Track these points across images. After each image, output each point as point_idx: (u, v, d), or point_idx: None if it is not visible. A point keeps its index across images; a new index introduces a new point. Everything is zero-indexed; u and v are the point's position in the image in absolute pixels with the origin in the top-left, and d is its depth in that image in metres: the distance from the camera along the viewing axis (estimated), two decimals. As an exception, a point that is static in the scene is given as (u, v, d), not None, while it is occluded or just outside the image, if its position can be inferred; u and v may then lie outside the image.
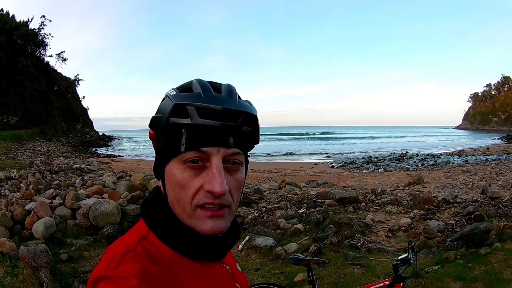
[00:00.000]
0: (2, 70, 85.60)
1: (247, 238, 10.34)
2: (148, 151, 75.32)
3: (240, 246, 10.04)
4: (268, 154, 61.32)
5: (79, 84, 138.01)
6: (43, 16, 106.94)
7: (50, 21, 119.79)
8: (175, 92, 1.22)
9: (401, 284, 4.73)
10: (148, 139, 1.31)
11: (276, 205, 14.30)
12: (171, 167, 1.20)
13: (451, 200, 13.95)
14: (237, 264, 1.54)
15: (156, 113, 1.24)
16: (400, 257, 4.96)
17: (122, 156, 62.21)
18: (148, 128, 1.28)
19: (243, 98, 1.29)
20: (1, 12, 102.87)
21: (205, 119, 1.15)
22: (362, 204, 14.77)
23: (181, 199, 1.19)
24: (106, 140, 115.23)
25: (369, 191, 17.21)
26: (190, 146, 1.16)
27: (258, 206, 14.63)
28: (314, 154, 61.36)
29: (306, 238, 10.62)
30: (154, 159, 1.32)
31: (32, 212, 11.07)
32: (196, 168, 1.17)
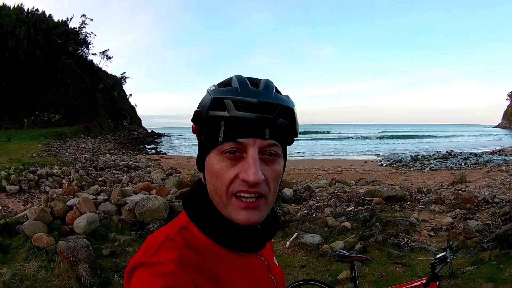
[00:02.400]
0: (41, 68, 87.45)
1: (295, 235, 10.35)
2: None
3: (288, 243, 10.05)
4: (319, 152, 61.24)
5: (126, 82, 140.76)
6: (84, 15, 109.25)
7: (92, 20, 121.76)
8: (214, 88, 1.30)
9: (437, 283, 4.72)
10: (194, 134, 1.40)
11: (325, 203, 14.29)
12: (210, 158, 1.27)
13: (490, 200, 13.65)
14: (275, 258, 1.59)
15: (197, 108, 1.32)
16: (438, 256, 4.95)
17: (172, 153, 62.89)
18: (191, 122, 1.36)
19: (291, 95, 1.35)
20: (37, 12, 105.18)
21: (241, 112, 1.21)
22: (408, 203, 14.69)
23: (218, 188, 1.24)
24: (155, 137, 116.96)
25: (415, 189, 17.02)
26: (228, 137, 1.22)
27: (307, 203, 14.65)
28: (364, 152, 61.39)
29: (352, 236, 10.62)
30: None
31: (74, 207, 11.25)
32: (233, 158, 1.23)
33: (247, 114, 1.21)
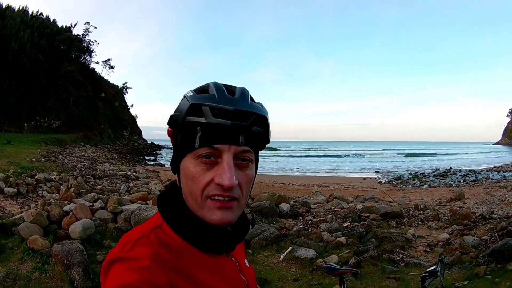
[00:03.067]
0: (44, 74, 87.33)
1: (289, 249, 10.42)
2: None
3: (282, 257, 10.12)
4: (320, 169, 61.21)
5: (127, 92, 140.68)
6: (87, 23, 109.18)
7: (95, 27, 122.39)
8: (191, 93, 1.35)
9: (426, 296, 4.76)
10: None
11: (322, 218, 14.38)
12: (186, 162, 1.32)
13: (487, 216, 13.76)
14: (246, 260, 1.64)
15: (174, 112, 1.37)
16: (428, 269, 5.00)
17: (169, 166, 62.19)
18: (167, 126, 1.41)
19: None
20: (41, 16, 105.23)
21: (218, 119, 1.27)
22: (405, 219, 14.70)
23: (193, 191, 1.31)
24: (155, 148, 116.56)
25: (413, 206, 17.09)
26: (204, 142, 1.28)
27: (304, 218, 14.77)
28: (363, 169, 61.33)
29: (347, 251, 10.66)
30: None
31: (71, 213, 11.33)
32: (209, 163, 1.29)
33: (224, 121, 1.27)
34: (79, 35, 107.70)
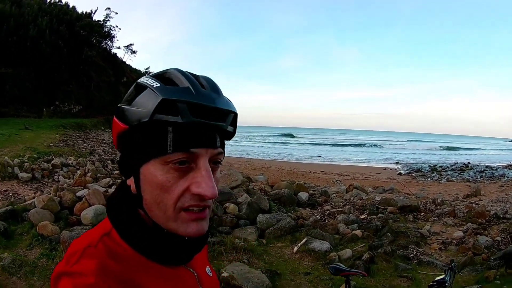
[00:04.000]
0: (64, 59, 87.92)
1: (304, 240, 10.32)
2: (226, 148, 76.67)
3: (296, 248, 10.02)
4: (340, 157, 61.14)
5: None
6: (108, 9, 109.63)
7: (116, 13, 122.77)
8: (159, 84, 1.18)
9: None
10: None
11: (339, 209, 14.27)
12: (151, 168, 1.17)
13: (501, 215, 13.48)
14: (208, 267, 1.53)
15: (130, 105, 1.21)
16: (436, 278, 4.90)
17: None
18: (116, 119, 1.28)
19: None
20: (60, 3, 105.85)
21: (198, 119, 1.13)
22: (422, 214, 14.52)
23: (162, 202, 1.17)
24: None
25: (430, 200, 16.88)
26: (178, 146, 1.14)
27: (322, 208, 14.61)
28: (383, 159, 61.07)
29: (362, 245, 10.53)
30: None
31: (84, 199, 11.35)
32: (182, 169, 1.16)
33: (204, 121, 1.15)
34: (100, 21, 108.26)
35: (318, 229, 11.27)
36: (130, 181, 1.24)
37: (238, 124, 1.30)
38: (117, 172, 21.49)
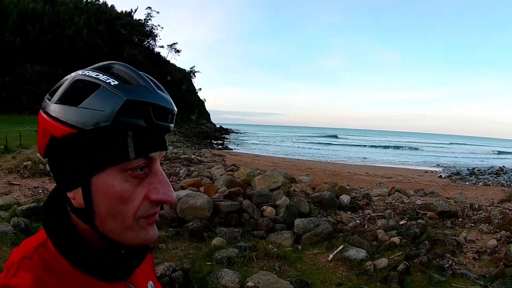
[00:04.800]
0: (104, 57, 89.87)
1: (340, 247, 9.87)
2: (266, 147, 78.97)
3: (331, 256, 9.61)
4: (383, 159, 61.86)
5: (195, 76, 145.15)
6: (149, 8, 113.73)
7: (158, 12, 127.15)
8: (116, 82, 1.06)
9: None
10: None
11: (380, 214, 13.94)
12: (106, 177, 1.06)
13: None
14: (151, 283, 1.39)
15: (80, 105, 1.04)
16: None
17: (238, 150, 64.37)
18: (56, 122, 1.07)
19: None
20: (97, 2, 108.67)
21: (159, 121, 1.08)
22: (460, 220, 13.94)
23: (120, 213, 1.08)
24: (223, 132, 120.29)
25: (468, 205, 16.31)
26: (140, 152, 1.06)
27: (363, 212, 14.44)
28: (424, 162, 61.28)
29: (399, 253, 10.05)
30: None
31: None
32: (140, 176, 1.09)
33: (165, 124, 1.11)
34: (141, 20, 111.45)
35: (356, 235, 10.88)
36: (74, 194, 1.09)
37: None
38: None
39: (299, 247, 10.34)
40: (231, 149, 62.14)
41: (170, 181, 1.10)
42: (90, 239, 1.12)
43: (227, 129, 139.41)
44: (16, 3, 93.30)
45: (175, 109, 1.14)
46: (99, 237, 1.11)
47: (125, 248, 1.17)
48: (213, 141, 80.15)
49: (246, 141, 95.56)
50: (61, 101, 1.07)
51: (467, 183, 35.05)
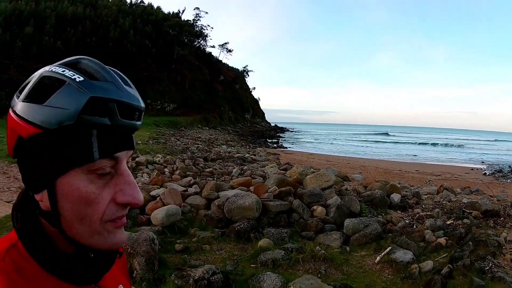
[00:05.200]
0: (153, 59, 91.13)
1: (388, 249, 9.70)
2: (321, 145, 78.19)
3: (378, 258, 9.46)
4: (433, 157, 61.24)
5: (248, 75, 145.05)
6: (197, 8, 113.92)
7: (206, 13, 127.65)
8: (82, 78, 1.04)
9: None
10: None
11: (428, 213, 13.62)
12: (71, 179, 1.04)
13: None
14: (121, 287, 1.38)
15: (44, 103, 1.02)
16: None
17: (293, 148, 63.87)
18: (22, 121, 1.05)
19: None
20: (142, 3, 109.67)
21: (124, 119, 1.05)
22: (501, 219, 13.48)
23: (87, 217, 1.06)
24: (278, 131, 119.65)
25: (509, 203, 15.97)
26: (105, 152, 1.04)
27: (413, 211, 14.14)
28: (469, 159, 60.37)
29: (444, 255, 9.79)
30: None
31: (158, 198, 11.50)
32: (106, 177, 1.07)
33: (131, 122, 1.07)
34: (189, 21, 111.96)
35: (404, 236, 10.69)
36: (41, 196, 1.08)
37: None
38: (208, 170, 21.67)
39: (347, 248, 10.20)
40: (286, 148, 61.96)
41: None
42: (59, 243, 1.12)
43: (282, 127, 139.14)
44: (53, 7, 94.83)
45: (143, 105, 1.12)
46: (67, 240, 1.11)
47: (94, 252, 1.16)
48: (268, 139, 79.68)
49: (301, 140, 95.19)
50: (27, 99, 1.06)
51: (508, 180, 34.58)
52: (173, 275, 7.25)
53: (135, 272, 7.20)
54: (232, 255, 9.16)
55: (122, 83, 1.08)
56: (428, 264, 9.06)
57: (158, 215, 10.28)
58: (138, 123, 1.10)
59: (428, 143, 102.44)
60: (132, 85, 1.13)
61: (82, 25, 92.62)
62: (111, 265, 1.23)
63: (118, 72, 1.13)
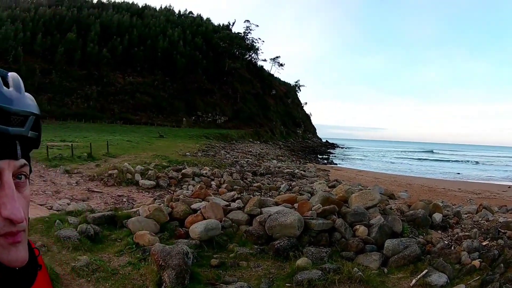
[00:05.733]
0: (203, 70, 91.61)
1: (424, 272, 9.43)
2: (369, 162, 77.75)
3: (413, 281, 9.17)
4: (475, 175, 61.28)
5: (300, 90, 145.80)
6: (247, 21, 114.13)
7: (257, 26, 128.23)
8: None
9: None
10: None
11: (467, 233, 13.20)
12: None
13: None
14: None
15: None
16: None
17: (342, 165, 63.82)
18: None
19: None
20: (191, 15, 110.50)
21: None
22: (529, 239, 13.20)
23: None
24: (329, 147, 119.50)
25: None
26: None
27: (453, 231, 13.77)
28: (508, 177, 59.47)
29: (476, 278, 9.47)
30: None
31: (199, 211, 11.42)
32: None
33: (3, 127, 0.97)
34: (240, 33, 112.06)
35: (441, 258, 10.38)
36: None
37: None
38: (256, 185, 21.65)
39: (385, 270, 9.97)
40: (336, 164, 61.84)
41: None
42: None
43: (333, 143, 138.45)
44: (97, 14, 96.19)
45: (27, 109, 1.03)
46: None
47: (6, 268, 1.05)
48: (318, 155, 79.37)
49: (351, 156, 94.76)
50: None
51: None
52: (203, 291, 7.21)
53: (164, 284, 7.21)
54: (268, 273, 9.07)
55: (3, 85, 1.01)
56: (460, 288, 8.87)
57: (196, 228, 10.28)
58: (18, 129, 1.01)
59: (470, 161, 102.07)
60: (21, 87, 1.05)
61: (129, 34, 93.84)
62: (34, 278, 1.17)
63: (14, 75, 1.07)
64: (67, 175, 20.65)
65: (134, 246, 9.40)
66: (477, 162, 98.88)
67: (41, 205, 13.58)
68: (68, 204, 14.26)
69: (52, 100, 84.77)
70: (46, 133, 51.74)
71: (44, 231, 10.15)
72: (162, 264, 7.37)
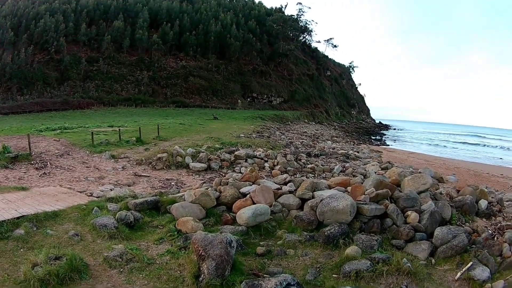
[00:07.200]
0: (258, 52, 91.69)
1: (469, 265, 8.86)
2: (419, 144, 77.00)
3: (458, 275, 8.65)
4: None
5: (354, 71, 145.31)
6: (300, 3, 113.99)
7: (309, 8, 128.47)
8: None
9: None
10: None
11: (508, 223, 12.52)
12: None
13: None
14: None
15: None
16: None
17: (394, 146, 63.72)
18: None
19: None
20: None
21: None
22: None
23: None
24: (382, 128, 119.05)
25: None
26: None
27: (495, 219, 13.22)
28: None
29: (515, 273, 8.81)
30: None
31: (248, 196, 11.05)
32: None
33: None
34: (293, 15, 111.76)
35: (485, 250, 9.77)
36: None
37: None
38: (310, 166, 21.32)
39: (433, 260, 9.46)
40: (388, 145, 61.33)
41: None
42: None
43: (386, 125, 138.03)
44: (144, 2, 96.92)
45: None
46: None
47: None
48: (372, 136, 79.21)
49: (402, 137, 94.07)
50: None
51: None
52: (243, 282, 6.77)
53: (202, 275, 6.89)
54: (315, 262, 8.68)
55: None
56: (499, 284, 8.26)
57: (244, 214, 9.94)
58: None
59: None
60: None
61: (180, 20, 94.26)
62: None
63: None
64: (112, 160, 20.68)
65: (175, 233, 9.11)
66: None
67: (80, 192, 13.37)
68: (111, 190, 14.07)
69: (101, 87, 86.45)
70: (93, 119, 52.47)
71: (79, 220, 9.97)
72: (202, 253, 6.97)
